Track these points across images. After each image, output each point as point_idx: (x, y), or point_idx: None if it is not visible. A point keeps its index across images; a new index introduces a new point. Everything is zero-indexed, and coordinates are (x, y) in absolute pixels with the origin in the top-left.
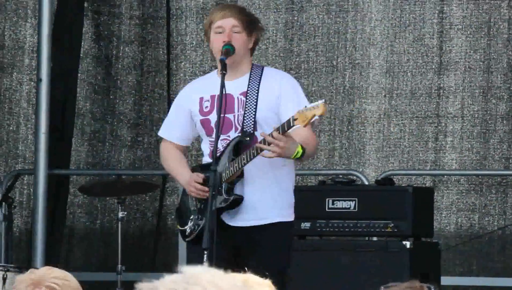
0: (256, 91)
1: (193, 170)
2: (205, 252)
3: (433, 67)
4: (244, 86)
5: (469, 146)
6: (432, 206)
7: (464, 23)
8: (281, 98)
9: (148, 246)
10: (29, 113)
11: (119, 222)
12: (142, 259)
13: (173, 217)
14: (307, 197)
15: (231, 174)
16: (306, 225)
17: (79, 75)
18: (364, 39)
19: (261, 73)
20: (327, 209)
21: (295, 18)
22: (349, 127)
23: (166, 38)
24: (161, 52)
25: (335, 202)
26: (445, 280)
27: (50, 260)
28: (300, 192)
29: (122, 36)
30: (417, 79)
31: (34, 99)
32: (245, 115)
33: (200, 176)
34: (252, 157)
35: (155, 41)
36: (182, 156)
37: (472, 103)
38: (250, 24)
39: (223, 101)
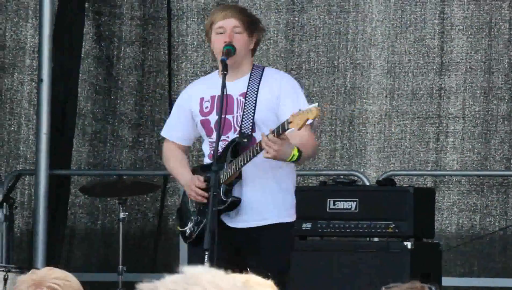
0: (255, 92)
1: (194, 170)
2: (206, 253)
3: (434, 67)
4: (244, 87)
5: (470, 146)
6: (433, 206)
7: (465, 24)
8: (280, 98)
9: (148, 246)
10: (30, 114)
11: (120, 223)
12: (142, 260)
13: (174, 217)
14: (308, 198)
15: (229, 176)
16: (307, 225)
17: (80, 75)
18: (365, 40)
19: (262, 74)
20: (328, 210)
21: (296, 18)
22: (350, 127)
23: (167, 39)
24: (162, 52)
25: (336, 202)
26: (446, 281)
27: (51, 260)
28: (301, 192)
29: (123, 37)
30: (418, 79)
31: (35, 99)
32: (244, 116)
33: (201, 180)
34: (249, 159)
35: (156, 41)
36: (183, 156)
37: (473, 103)
38: (251, 24)
39: (223, 102)
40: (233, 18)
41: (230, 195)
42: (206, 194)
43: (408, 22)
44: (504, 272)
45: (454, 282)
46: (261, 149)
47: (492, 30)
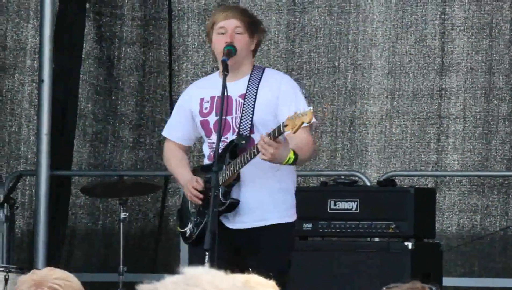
0: (255, 93)
1: (194, 171)
2: (207, 253)
3: (435, 68)
4: (243, 88)
5: (471, 147)
6: (434, 207)
7: (466, 24)
8: (279, 99)
9: (149, 247)
10: (31, 114)
11: (121, 223)
12: (143, 260)
13: (174, 218)
14: (309, 198)
15: (227, 178)
16: (308, 226)
17: (81, 76)
18: (366, 40)
19: (261, 75)
20: (329, 210)
21: (297, 19)
22: (351, 128)
23: (168, 39)
24: (163, 53)
25: (337, 203)
26: (447, 281)
27: (52, 261)
28: (302, 193)
29: (124, 37)
30: (419, 80)
31: (36, 100)
32: (242, 117)
33: (200, 182)
34: (247, 161)
35: (157, 42)
36: (184, 156)
37: (474, 104)
38: (252, 25)
39: (224, 103)
40: (234, 19)
41: (229, 197)
42: (200, 195)
43: (409, 22)
44: (504, 273)
45: (455, 282)
46: (258, 151)
47: (493, 30)
